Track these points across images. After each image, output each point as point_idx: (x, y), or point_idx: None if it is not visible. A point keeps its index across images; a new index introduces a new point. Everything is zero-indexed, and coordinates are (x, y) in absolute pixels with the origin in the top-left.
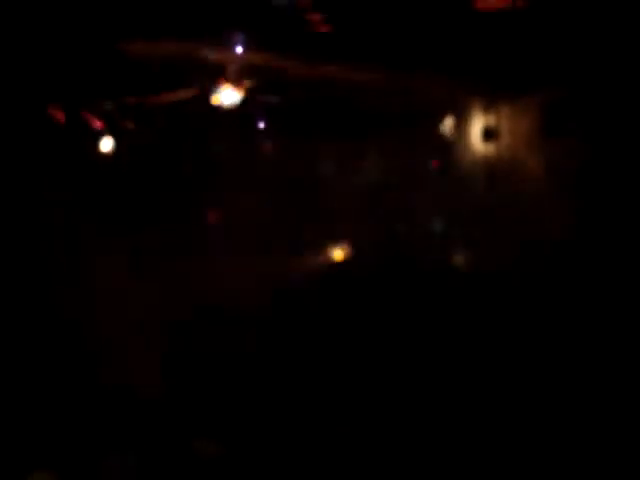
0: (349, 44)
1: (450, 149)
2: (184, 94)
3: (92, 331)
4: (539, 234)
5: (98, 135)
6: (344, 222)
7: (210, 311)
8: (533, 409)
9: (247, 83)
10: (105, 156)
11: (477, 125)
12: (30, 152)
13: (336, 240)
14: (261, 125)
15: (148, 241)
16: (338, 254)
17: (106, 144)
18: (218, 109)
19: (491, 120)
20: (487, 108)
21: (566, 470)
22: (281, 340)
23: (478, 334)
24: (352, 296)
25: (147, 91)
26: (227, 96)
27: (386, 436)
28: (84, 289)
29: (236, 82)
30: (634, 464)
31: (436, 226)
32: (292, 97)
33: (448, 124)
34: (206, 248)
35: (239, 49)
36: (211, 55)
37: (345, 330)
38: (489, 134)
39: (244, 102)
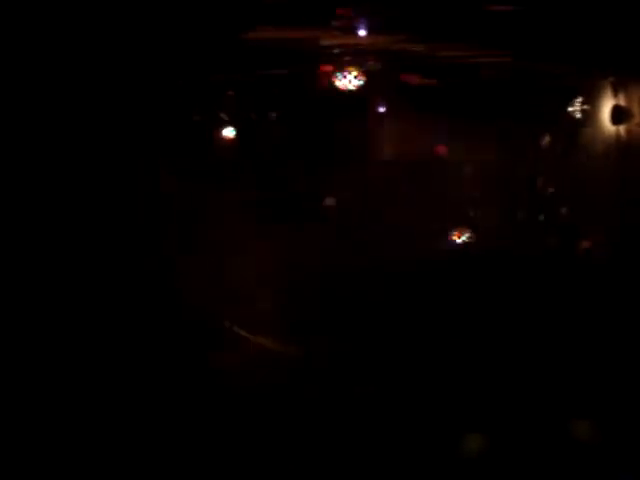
0: (475, 28)
1: (579, 131)
2: (306, 78)
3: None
4: None
5: (224, 123)
6: (466, 205)
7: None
8: None
9: (369, 66)
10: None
11: (607, 106)
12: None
13: (457, 223)
14: (382, 107)
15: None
16: (459, 236)
17: (229, 131)
18: (341, 92)
19: (621, 101)
20: (617, 89)
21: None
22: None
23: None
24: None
25: (270, 77)
26: (349, 79)
27: None
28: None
29: (358, 65)
30: None
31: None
32: (415, 80)
33: (577, 106)
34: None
35: (361, 33)
36: (333, 40)
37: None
38: (619, 115)
39: (366, 84)
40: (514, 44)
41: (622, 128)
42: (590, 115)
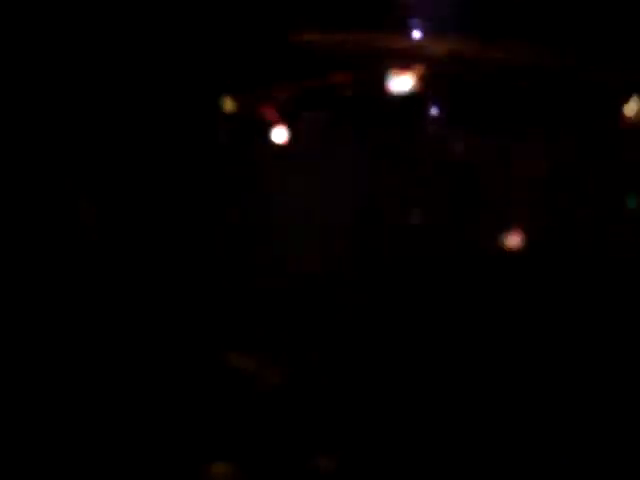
0: (533, 25)
1: (633, 134)
2: (357, 82)
3: None
4: None
5: (271, 125)
6: (514, 211)
7: None
8: None
9: (420, 69)
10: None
11: None
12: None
13: (507, 228)
14: (433, 111)
15: None
16: (511, 242)
17: (280, 134)
18: (390, 97)
19: None
20: None
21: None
22: None
23: None
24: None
25: (319, 81)
26: (399, 83)
27: None
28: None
29: (409, 68)
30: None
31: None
32: (467, 83)
33: (632, 107)
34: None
35: (415, 35)
36: (385, 43)
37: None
38: None
39: (416, 89)
40: (569, 43)
41: None
42: None
